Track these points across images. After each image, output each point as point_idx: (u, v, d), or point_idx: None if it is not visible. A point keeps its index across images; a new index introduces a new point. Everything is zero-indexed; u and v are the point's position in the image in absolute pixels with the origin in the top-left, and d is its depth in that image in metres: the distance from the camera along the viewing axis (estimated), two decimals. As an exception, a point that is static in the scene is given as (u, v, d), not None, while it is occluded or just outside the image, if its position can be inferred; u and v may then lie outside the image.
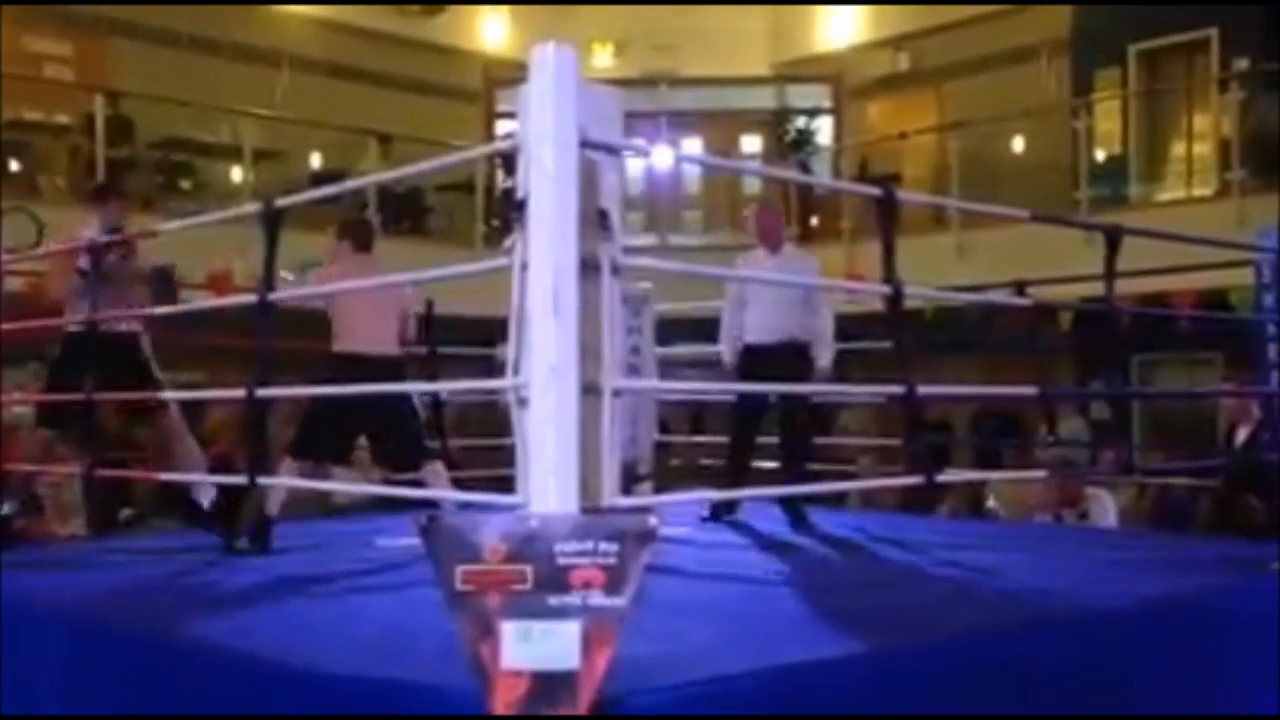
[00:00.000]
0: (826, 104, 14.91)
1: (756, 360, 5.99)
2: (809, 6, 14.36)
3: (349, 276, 5.16)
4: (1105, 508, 6.73)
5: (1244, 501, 6.99)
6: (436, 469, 5.29)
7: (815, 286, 6.33)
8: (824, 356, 6.02)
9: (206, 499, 5.28)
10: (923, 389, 3.82)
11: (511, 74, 12.06)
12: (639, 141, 8.01)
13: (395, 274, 5.35)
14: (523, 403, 2.72)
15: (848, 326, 6.46)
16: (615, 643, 2.15)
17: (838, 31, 14.32)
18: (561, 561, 2.19)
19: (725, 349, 6.20)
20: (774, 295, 5.99)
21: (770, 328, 6.00)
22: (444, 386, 6.24)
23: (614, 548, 2.19)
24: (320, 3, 13.02)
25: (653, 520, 2.24)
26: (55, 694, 3.34)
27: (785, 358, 5.92)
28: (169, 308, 5.18)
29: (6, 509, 5.91)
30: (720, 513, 5.97)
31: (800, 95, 15.06)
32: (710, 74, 14.45)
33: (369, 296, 5.10)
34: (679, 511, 5.82)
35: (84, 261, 5.13)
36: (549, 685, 2.13)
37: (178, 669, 3.00)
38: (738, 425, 6.21)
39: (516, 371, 2.79)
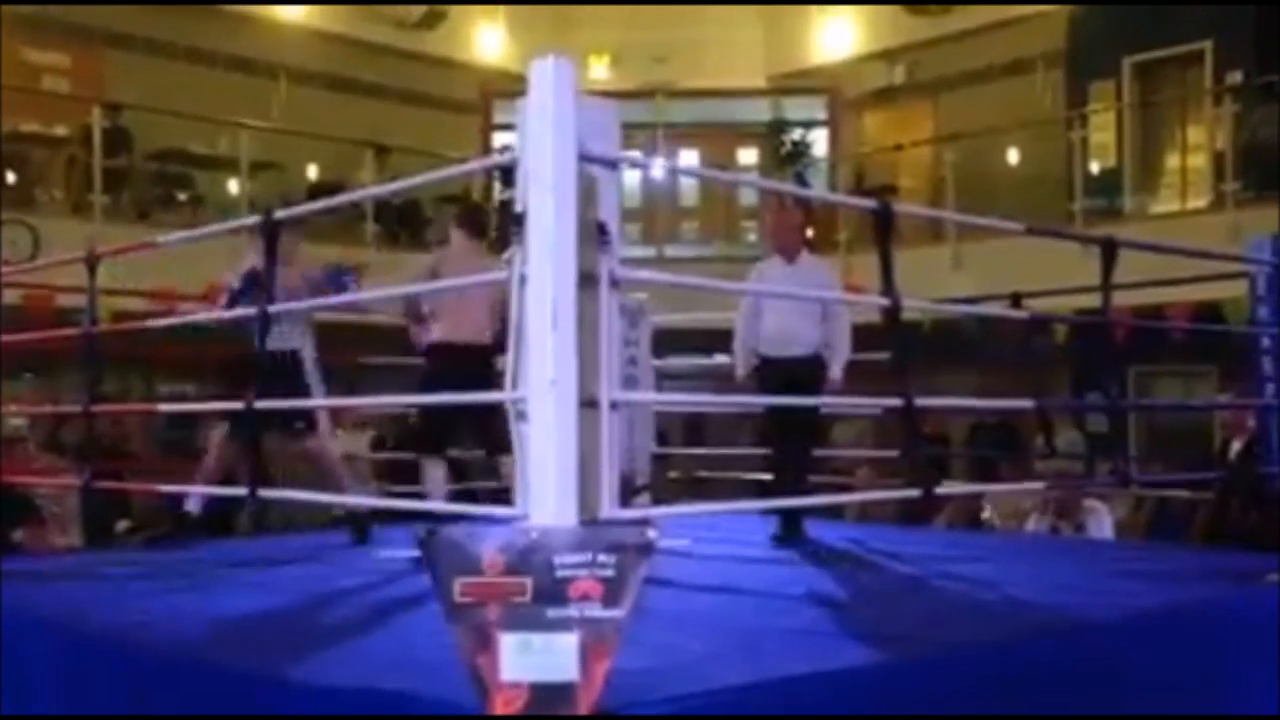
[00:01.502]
0: (822, 116, 14.94)
1: (773, 374, 5.83)
2: (806, 20, 14.39)
3: (465, 267, 5.12)
4: (1102, 520, 6.72)
5: (1233, 513, 7.00)
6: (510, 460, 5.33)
7: (827, 297, 6.13)
8: (836, 367, 5.85)
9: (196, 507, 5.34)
10: (920, 400, 3.82)
11: (509, 86, 12.08)
12: (636, 153, 8.02)
13: (399, 285, 5.34)
14: (521, 415, 2.73)
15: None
16: (613, 654, 2.15)
17: (834, 44, 14.34)
18: (560, 573, 2.19)
19: (738, 360, 6.01)
20: (791, 305, 5.80)
21: (787, 339, 5.82)
22: (443, 399, 6.23)
23: (612, 559, 2.20)
24: (319, 2, 13.03)
25: (651, 532, 2.25)
26: (53, 705, 3.34)
27: (801, 371, 5.76)
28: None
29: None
30: (787, 533, 5.71)
31: (796, 107, 15.09)
32: (707, 86, 14.47)
33: (475, 286, 5.13)
34: (678, 523, 5.81)
35: (235, 283, 5.27)
36: (547, 697, 2.13)
37: (175, 681, 3.00)
38: (775, 440, 6.06)
39: (515, 384, 2.80)
